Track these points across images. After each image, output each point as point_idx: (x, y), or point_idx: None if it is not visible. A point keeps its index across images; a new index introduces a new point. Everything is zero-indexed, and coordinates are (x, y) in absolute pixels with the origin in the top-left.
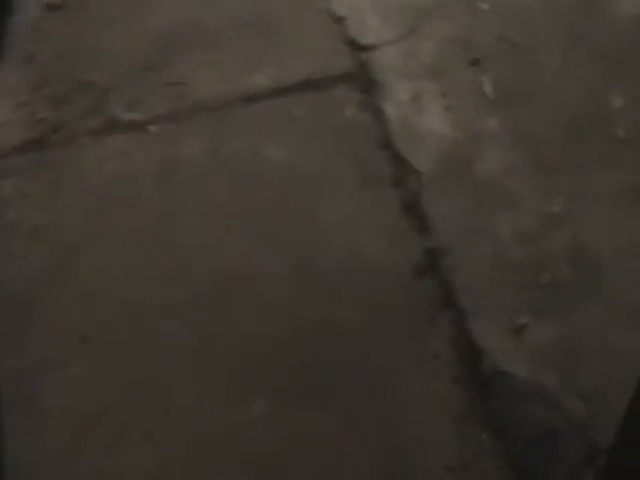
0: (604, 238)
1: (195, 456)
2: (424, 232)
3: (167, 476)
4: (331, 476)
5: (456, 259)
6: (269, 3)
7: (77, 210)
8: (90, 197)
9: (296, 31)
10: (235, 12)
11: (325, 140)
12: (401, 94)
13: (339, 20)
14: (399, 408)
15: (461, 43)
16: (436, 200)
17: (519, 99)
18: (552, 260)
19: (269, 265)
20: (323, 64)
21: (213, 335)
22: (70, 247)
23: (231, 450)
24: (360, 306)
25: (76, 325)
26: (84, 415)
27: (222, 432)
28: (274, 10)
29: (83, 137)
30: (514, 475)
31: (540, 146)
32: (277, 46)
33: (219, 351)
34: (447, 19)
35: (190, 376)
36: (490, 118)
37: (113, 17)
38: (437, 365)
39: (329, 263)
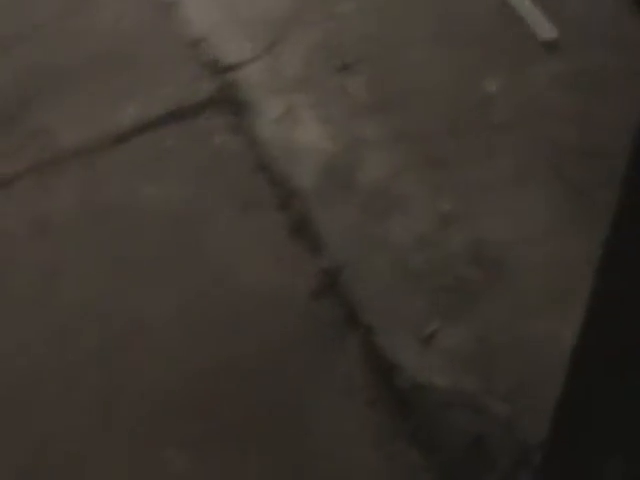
0: (500, 228)
1: None
2: (316, 252)
3: None
4: None
5: (354, 275)
6: (124, 35)
7: None
8: None
9: (155, 61)
10: (91, 48)
11: (200, 171)
12: (272, 111)
13: (198, 43)
14: (320, 442)
15: (327, 49)
16: (324, 217)
17: (394, 99)
18: (453, 260)
19: (158, 309)
20: (187, 91)
21: (113, 394)
22: None
23: None
24: (259, 339)
25: None
26: None
27: None
28: (130, 41)
29: None
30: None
31: (421, 144)
32: (138, 79)
33: (122, 412)
34: (308, 26)
35: (92, 440)
36: (367, 123)
37: None
38: (351, 389)
39: (220, 298)
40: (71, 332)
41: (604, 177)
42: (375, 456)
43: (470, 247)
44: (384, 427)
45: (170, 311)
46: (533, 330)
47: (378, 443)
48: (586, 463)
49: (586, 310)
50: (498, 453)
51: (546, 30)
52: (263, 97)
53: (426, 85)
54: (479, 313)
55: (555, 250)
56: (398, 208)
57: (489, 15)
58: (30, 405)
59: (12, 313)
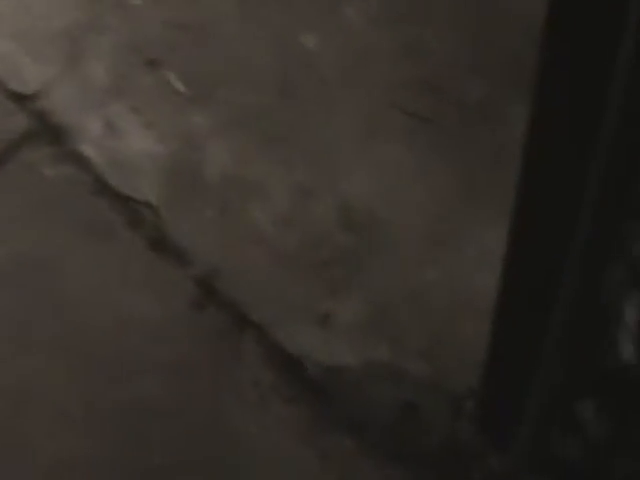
0: (363, 187)
1: None
2: (184, 262)
3: None
4: None
5: (230, 275)
6: None
7: None
8: None
9: None
10: None
11: (36, 211)
12: (93, 129)
13: None
14: (247, 461)
15: (131, 49)
16: (181, 223)
17: (214, 83)
18: (325, 233)
19: (45, 377)
20: None
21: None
22: None
23: None
24: (155, 369)
25: None
26: None
27: None
28: None
29: None
30: (393, 464)
31: (257, 122)
32: None
33: None
34: (105, 30)
35: None
36: (194, 115)
37: None
38: (264, 393)
39: (103, 341)
40: None
41: (453, 105)
42: (309, 458)
43: (339, 214)
44: (310, 423)
45: (58, 375)
46: (427, 281)
47: (308, 440)
48: (521, 403)
49: (506, 251)
50: (431, 414)
51: None
52: (79, 116)
53: (244, 60)
54: (368, 279)
55: (425, 193)
56: (255, 194)
57: None
58: None
59: None
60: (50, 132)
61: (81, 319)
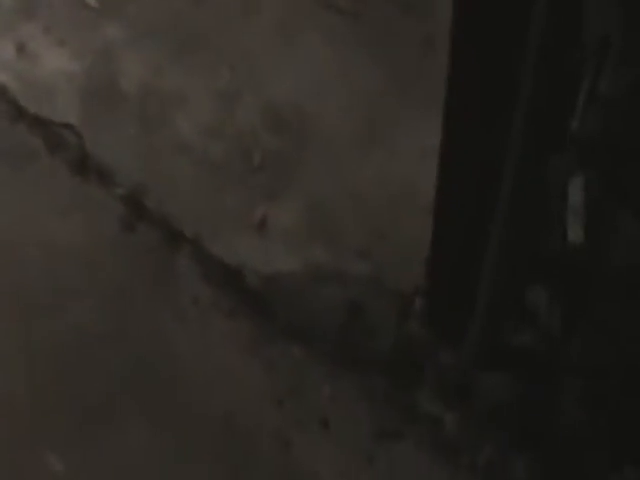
0: (288, 86)
1: None
2: (110, 182)
3: None
4: None
5: (159, 190)
6: None
7: None
8: None
9: None
10: None
11: None
12: (4, 54)
13: None
14: (192, 380)
15: None
16: (103, 143)
17: None
18: (253, 137)
19: None
20: None
21: None
22: None
23: None
24: (94, 295)
25: None
26: None
27: None
28: None
29: None
30: (342, 370)
31: (170, 32)
32: None
33: None
34: None
35: None
36: (106, 28)
37: None
38: (205, 309)
39: (26, 277)
40: None
41: None
42: (255, 366)
43: (266, 118)
44: (253, 335)
45: None
46: (364, 178)
47: (253, 353)
48: (470, 296)
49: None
50: (378, 315)
51: None
52: None
53: None
54: (302, 181)
55: (353, 89)
56: (176, 104)
57: None
58: None
59: None
60: None
61: (8, 251)
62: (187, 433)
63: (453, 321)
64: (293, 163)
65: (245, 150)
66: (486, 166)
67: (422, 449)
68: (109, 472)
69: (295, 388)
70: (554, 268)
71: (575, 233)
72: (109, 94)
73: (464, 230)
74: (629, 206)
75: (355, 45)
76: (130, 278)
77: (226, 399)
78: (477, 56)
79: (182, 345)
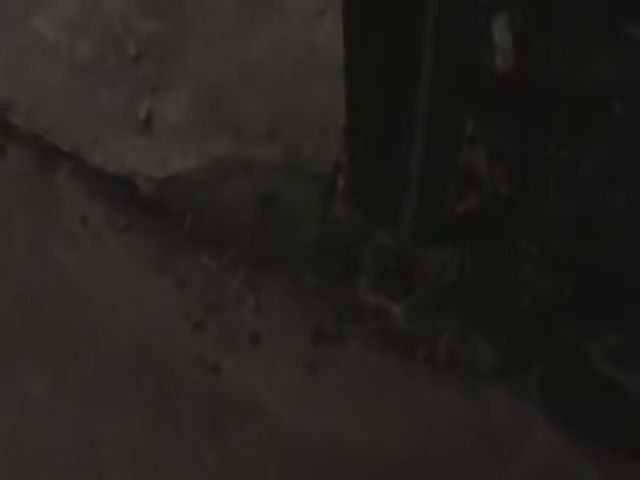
0: None
1: None
2: None
3: None
4: None
5: (27, 106)
6: None
7: None
8: None
9: None
10: None
11: None
12: None
13: None
14: (99, 307)
15: None
16: None
17: None
18: (127, 26)
19: None
20: None
21: None
22: None
23: None
24: None
25: None
26: None
27: None
28: None
29: None
30: (265, 274)
31: None
32: None
33: None
34: None
35: None
36: None
37: None
38: (94, 230)
39: None
40: None
41: None
42: (165, 284)
43: (139, 2)
44: (156, 248)
45: None
46: (257, 52)
47: (160, 268)
48: (399, 160)
49: None
50: (296, 203)
51: None
52: None
53: None
54: (186, 66)
55: None
56: (37, 3)
57: None
58: None
59: None
60: None
61: None
62: (97, 371)
63: (384, 197)
64: (174, 48)
65: (117, 41)
66: (402, 8)
67: (370, 348)
68: (9, 422)
69: (213, 304)
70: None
71: (502, 62)
72: None
73: (384, 87)
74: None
75: None
76: (6, 208)
77: (137, 325)
78: None
79: (77, 272)
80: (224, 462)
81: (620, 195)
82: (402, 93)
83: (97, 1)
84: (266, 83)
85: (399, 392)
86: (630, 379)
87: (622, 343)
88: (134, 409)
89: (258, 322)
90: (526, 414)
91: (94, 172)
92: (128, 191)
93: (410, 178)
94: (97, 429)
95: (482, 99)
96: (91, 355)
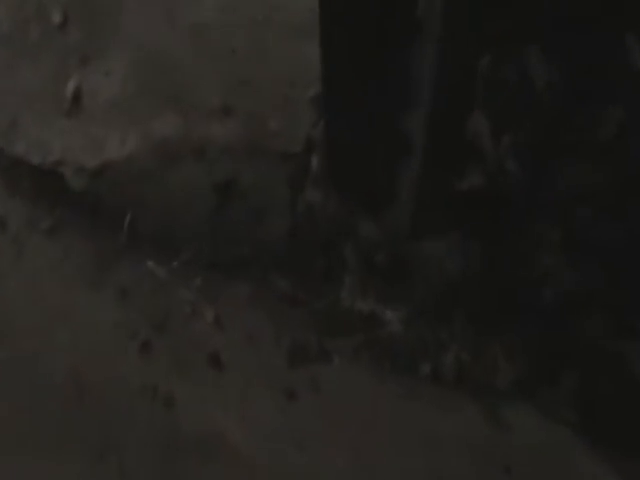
0: None
1: None
2: None
3: None
4: None
5: None
6: None
7: None
8: None
9: None
10: None
11: None
12: None
13: None
14: (27, 325)
15: None
16: None
17: None
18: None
19: None
20: None
21: None
22: None
23: None
24: None
25: None
26: None
27: None
28: None
29: None
30: (228, 280)
31: None
32: None
33: None
34: None
35: None
36: None
37: None
38: (16, 235)
39: None
40: None
41: None
42: (103, 297)
43: None
44: (91, 254)
45: None
46: (197, 8)
47: (97, 278)
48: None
49: None
50: (261, 190)
51: None
52: None
53: None
54: (120, 32)
55: None
56: None
57: None
58: None
59: None
60: None
61: None
62: (25, 408)
63: (369, 178)
64: (106, 10)
65: (39, 8)
66: None
67: (360, 366)
68: None
69: (163, 319)
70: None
71: None
72: None
73: (370, 39)
74: None
75: None
76: None
77: (71, 349)
78: None
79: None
80: None
81: None
82: (394, 46)
83: None
84: (217, 48)
85: (399, 418)
86: None
87: None
88: (71, 454)
89: (219, 340)
90: (558, 438)
91: (14, 163)
92: (54, 185)
93: (404, 151)
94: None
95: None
96: (18, 389)
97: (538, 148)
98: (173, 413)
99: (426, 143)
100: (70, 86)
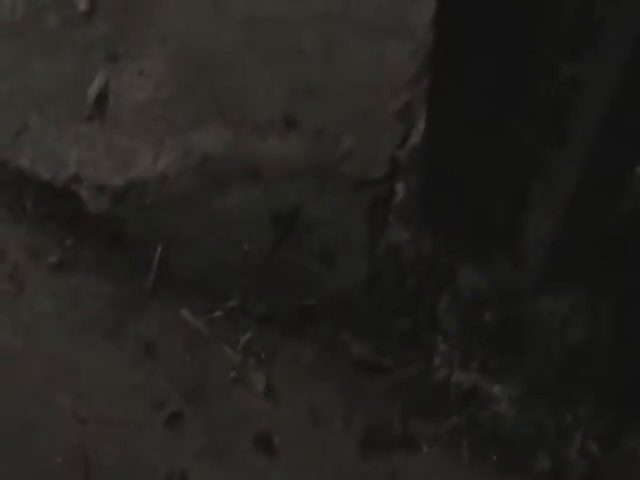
0: None
1: None
2: None
3: None
4: None
5: None
6: None
7: None
8: None
9: None
10: None
11: None
12: None
13: None
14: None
15: None
16: None
17: None
18: None
19: None
20: None
21: None
22: None
23: None
24: None
25: None
26: None
27: None
28: None
29: None
30: (275, 332)
31: None
32: None
33: None
34: None
35: None
36: None
37: None
38: (19, 270)
39: None
40: None
41: None
42: (124, 352)
43: None
44: (110, 298)
45: None
46: (249, 7)
47: (116, 329)
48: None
49: None
50: (331, 225)
51: None
52: None
53: None
54: (157, 24)
55: None
56: None
57: None
58: None
59: None
60: None
61: None
62: None
63: (482, 213)
64: (141, 0)
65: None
66: None
67: (457, 457)
68: None
69: (199, 385)
70: None
71: None
72: None
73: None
74: None
75: None
76: None
77: (81, 422)
78: None
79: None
80: None
81: None
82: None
83: None
84: (278, 47)
85: None
86: None
87: None
88: None
89: (271, 417)
90: None
91: (17, 178)
92: (67, 208)
93: (541, 182)
94: None
95: None
96: (8, 471)
97: None
98: None
99: (579, 178)
100: (94, 87)
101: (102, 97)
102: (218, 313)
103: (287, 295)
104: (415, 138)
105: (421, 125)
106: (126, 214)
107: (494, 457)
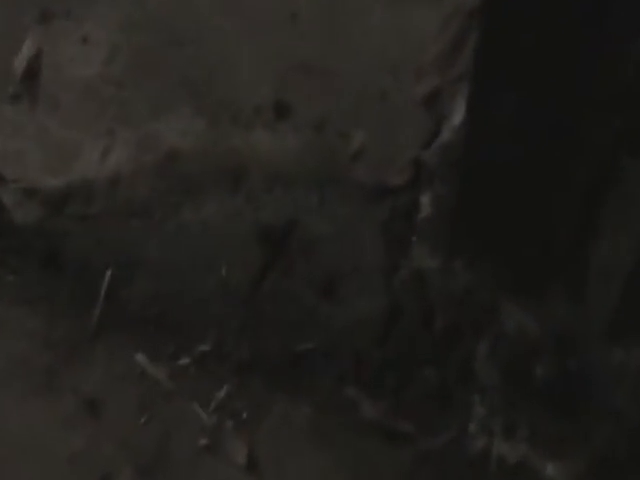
0: None
1: None
2: None
3: None
4: None
5: None
6: None
7: None
8: None
9: None
10: None
11: None
12: None
13: None
14: None
15: None
16: None
17: None
18: None
19: None
20: None
21: None
22: None
23: None
24: None
25: None
26: None
27: None
28: None
29: None
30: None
31: None
32: None
33: None
34: None
35: None
36: None
37: None
38: None
39: None
40: None
41: None
42: (65, 406)
43: None
44: (45, 338)
45: None
46: None
47: (53, 380)
48: None
49: None
50: (336, 249)
51: None
52: None
53: None
54: None
55: None
56: None
57: None
58: None
59: None
60: None
61: None
62: None
63: (536, 238)
64: None
65: None
66: None
67: None
68: None
69: (156, 454)
70: None
71: None
72: None
73: None
74: None
75: None
76: None
77: None
78: None
79: None
80: None
81: None
82: None
83: None
84: (266, 11)
85: None
86: None
87: None
88: None
89: None
90: None
91: None
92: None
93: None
94: None
95: None
96: None
97: None
98: None
99: None
100: (22, 55)
101: (33, 70)
102: (185, 360)
103: (276, 336)
104: (447, 134)
105: (456, 117)
106: (64, 227)
107: None
